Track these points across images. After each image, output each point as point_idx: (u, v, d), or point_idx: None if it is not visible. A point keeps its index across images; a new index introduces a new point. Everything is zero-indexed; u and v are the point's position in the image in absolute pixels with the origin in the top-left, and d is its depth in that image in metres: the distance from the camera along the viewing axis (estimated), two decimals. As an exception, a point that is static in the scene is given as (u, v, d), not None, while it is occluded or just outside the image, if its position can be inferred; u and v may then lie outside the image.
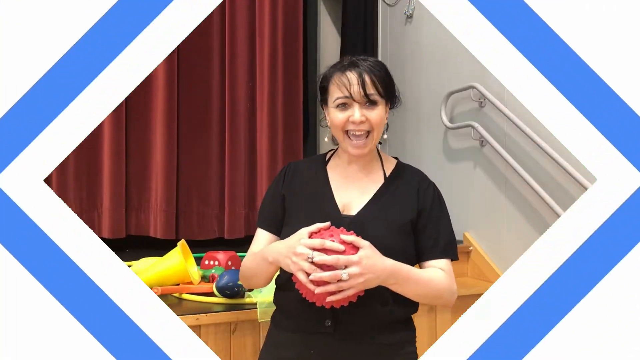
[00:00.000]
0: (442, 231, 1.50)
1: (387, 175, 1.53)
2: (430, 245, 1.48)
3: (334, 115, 1.46)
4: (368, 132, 1.46)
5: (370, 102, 1.45)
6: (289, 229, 1.46)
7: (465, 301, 3.31)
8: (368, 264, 1.29)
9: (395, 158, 1.61)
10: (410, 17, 4.13)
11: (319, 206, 1.49)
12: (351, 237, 1.31)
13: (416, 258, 1.50)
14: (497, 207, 3.40)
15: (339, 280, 1.27)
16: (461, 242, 3.64)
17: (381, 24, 4.45)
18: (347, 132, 1.46)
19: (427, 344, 2.06)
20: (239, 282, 2.13)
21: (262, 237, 1.57)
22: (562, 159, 2.93)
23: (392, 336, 1.48)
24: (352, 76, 1.44)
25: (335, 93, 1.46)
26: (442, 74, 3.84)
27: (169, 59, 3.58)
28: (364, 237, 1.36)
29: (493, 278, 3.36)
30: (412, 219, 1.48)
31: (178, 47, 3.59)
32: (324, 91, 1.51)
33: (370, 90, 1.44)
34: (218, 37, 3.79)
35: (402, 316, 1.49)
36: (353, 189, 1.51)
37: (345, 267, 1.27)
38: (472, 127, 3.50)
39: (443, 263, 1.48)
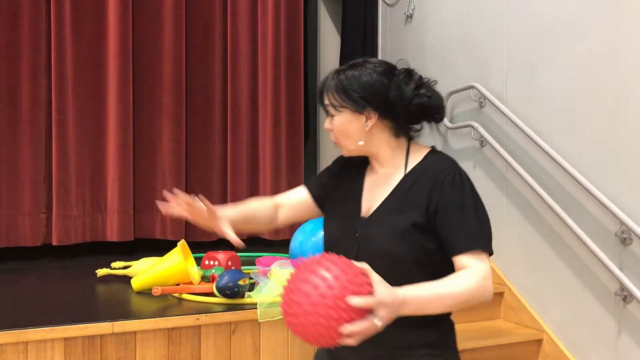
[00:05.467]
0: (464, 223, 1.41)
1: (407, 172, 1.49)
2: (452, 240, 1.40)
3: None
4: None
5: (329, 113, 1.50)
6: (324, 224, 1.58)
7: (465, 301, 3.32)
8: (390, 301, 1.21)
9: (432, 147, 1.55)
10: (410, 17, 4.13)
11: (345, 207, 1.53)
12: (364, 265, 1.23)
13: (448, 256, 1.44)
14: (497, 207, 3.40)
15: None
16: (461, 242, 3.64)
17: (381, 24, 4.45)
18: None
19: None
20: (239, 282, 2.13)
21: (300, 190, 1.66)
22: (562, 159, 2.93)
23: (407, 337, 1.44)
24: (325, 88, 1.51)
25: None
26: (442, 74, 3.84)
27: (174, 60, 3.58)
28: (373, 239, 1.41)
29: (493, 277, 3.35)
30: (415, 221, 1.41)
31: (185, 48, 3.61)
32: None
33: (325, 101, 1.50)
34: (220, 39, 3.80)
35: (419, 319, 1.40)
36: (378, 190, 1.51)
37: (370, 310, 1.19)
38: (472, 127, 3.50)
39: (468, 259, 1.39)
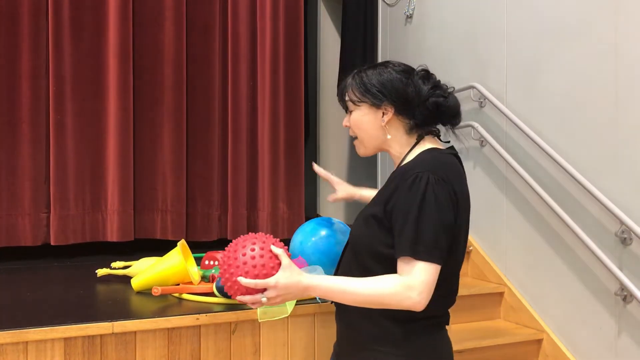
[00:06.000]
0: (407, 227, 1.38)
1: (397, 168, 1.55)
2: (396, 242, 1.40)
3: None
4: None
5: (348, 109, 1.60)
6: None
7: (465, 301, 3.32)
8: (283, 285, 1.40)
9: (432, 148, 1.55)
10: (410, 17, 4.13)
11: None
12: (278, 250, 1.43)
13: None
14: (497, 207, 3.40)
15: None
16: (461, 242, 3.64)
17: (381, 24, 4.45)
18: None
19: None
20: (239, 282, 2.13)
21: None
22: (562, 158, 2.93)
23: (366, 330, 1.51)
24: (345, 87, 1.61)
25: None
26: (442, 74, 3.83)
27: (175, 57, 3.58)
28: (352, 230, 1.53)
29: (493, 278, 3.36)
30: (375, 213, 1.46)
31: (185, 48, 3.61)
32: None
33: (345, 98, 1.60)
34: (221, 39, 3.80)
35: (379, 314, 1.45)
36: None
37: (264, 290, 1.40)
38: (472, 127, 3.50)
39: (402, 264, 1.38)
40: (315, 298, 2.18)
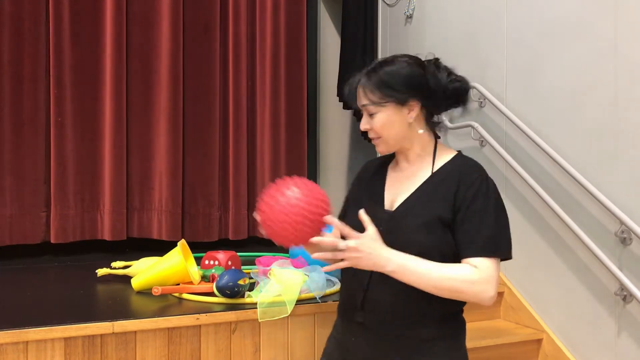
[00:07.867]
0: (482, 227, 1.44)
1: (435, 170, 1.55)
2: (467, 241, 1.45)
3: None
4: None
5: (369, 111, 1.53)
6: (348, 212, 1.65)
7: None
8: (366, 244, 1.37)
9: (459, 151, 1.62)
10: (410, 17, 4.13)
11: (368, 199, 1.59)
12: (366, 218, 1.42)
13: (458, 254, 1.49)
14: (497, 207, 3.40)
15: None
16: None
17: (381, 24, 4.45)
18: None
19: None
20: (239, 282, 2.13)
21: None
22: (562, 159, 2.93)
23: (420, 331, 1.48)
24: (359, 89, 1.54)
25: None
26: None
27: (172, 58, 3.58)
28: (397, 232, 1.46)
29: (493, 278, 3.36)
30: (442, 215, 1.46)
31: (182, 45, 3.61)
32: None
33: (363, 101, 1.53)
34: (221, 38, 3.80)
35: (432, 312, 1.48)
36: (402, 185, 1.57)
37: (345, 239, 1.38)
38: (472, 127, 3.50)
39: (478, 261, 1.42)
40: (315, 298, 2.18)
